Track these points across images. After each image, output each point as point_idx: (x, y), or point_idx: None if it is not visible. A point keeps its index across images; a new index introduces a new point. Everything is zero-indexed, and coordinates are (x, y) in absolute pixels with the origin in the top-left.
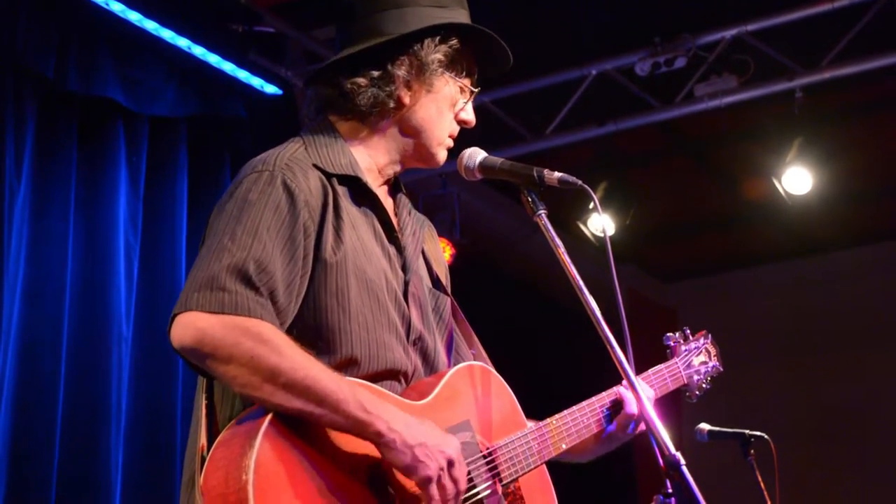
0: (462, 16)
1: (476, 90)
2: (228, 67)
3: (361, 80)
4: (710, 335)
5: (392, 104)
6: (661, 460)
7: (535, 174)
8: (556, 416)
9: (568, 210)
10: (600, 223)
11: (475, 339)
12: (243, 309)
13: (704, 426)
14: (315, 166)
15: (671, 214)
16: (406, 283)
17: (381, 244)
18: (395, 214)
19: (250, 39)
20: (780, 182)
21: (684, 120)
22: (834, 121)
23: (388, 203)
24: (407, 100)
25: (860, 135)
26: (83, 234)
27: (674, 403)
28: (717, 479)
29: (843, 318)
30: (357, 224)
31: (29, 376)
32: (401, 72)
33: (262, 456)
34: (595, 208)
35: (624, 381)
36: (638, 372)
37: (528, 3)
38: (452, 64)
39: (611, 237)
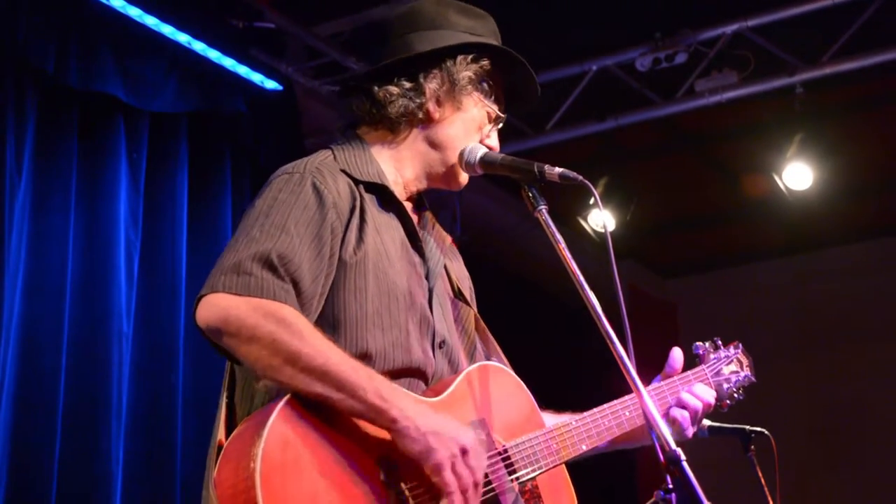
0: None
1: (503, 116)
2: (229, 63)
3: (393, 89)
4: (741, 345)
5: (421, 115)
6: (661, 455)
7: (536, 169)
8: (577, 416)
9: (568, 206)
10: (601, 219)
11: (499, 351)
12: (268, 293)
13: (704, 422)
14: (343, 172)
15: (671, 210)
16: (430, 291)
17: (406, 251)
18: (420, 227)
19: (251, 35)
20: (780, 178)
21: (685, 115)
22: (834, 116)
23: (413, 216)
24: (436, 115)
25: (861, 130)
26: (83, 230)
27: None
28: (718, 474)
29: (843, 315)
30: (382, 230)
31: (29, 372)
32: (432, 85)
33: (269, 445)
34: (596, 204)
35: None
36: (644, 373)
37: None
38: (482, 84)
39: (611, 233)
